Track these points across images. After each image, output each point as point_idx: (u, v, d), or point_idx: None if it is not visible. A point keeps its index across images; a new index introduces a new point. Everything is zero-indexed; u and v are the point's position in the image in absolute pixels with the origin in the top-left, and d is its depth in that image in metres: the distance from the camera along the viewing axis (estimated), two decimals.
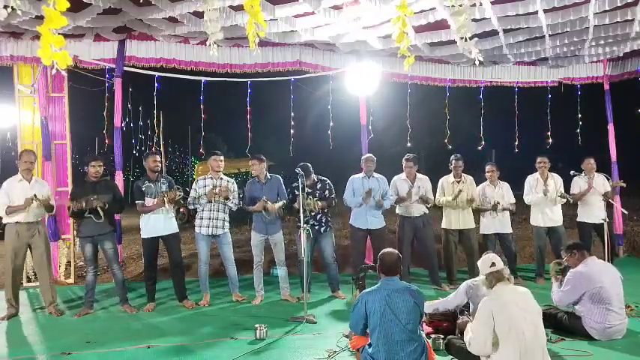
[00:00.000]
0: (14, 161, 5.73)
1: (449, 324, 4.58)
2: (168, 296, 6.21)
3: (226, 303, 6.04)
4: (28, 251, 5.74)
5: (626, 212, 7.66)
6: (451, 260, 6.74)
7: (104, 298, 6.23)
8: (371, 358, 3.42)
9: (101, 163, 5.64)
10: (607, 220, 6.40)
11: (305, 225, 5.50)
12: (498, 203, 6.62)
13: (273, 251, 6.10)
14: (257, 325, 4.72)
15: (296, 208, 5.79)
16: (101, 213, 5.40)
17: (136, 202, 5.74)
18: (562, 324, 4.65)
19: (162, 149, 16.35)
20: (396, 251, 3.66)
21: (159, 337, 4.79)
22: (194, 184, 6.19)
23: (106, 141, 7.47)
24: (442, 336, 4.33)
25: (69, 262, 7.35)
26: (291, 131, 8.38)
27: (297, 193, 5.66)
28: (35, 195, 5.35)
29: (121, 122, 7.24)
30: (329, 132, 8.30)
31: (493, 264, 3.56)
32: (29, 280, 6.93)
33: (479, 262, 3.74)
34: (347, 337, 4.36)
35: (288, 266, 6.30)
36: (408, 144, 8.64)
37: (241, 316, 5.53)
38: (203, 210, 5.93)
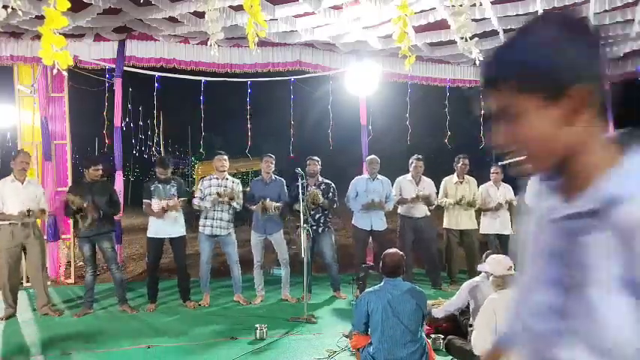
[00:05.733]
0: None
1: (449, 324, 4.57)
2: (168, 296, 6.21)
3: (227, 303, 6.04)
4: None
5: None
6: (452, 260, 6.74)
7: (104, 298, 6.22)
8: (371, 358, 3.42)
9: (100, 168, 5.69)
10: None
11: (305, 225, 5.50)
12: (501, 205, 6.63)
13: (276, 250, 6.11)
14: (257, 325, 4.72)
15: (296, 207, 5.80)
16: (89, 220, 5.40)
17: (144, 200, 5.81)
18: None
19: (162, 149, 16.34)
20: (400, 252, 3.65)
21: (159, 337, 4.79)
22: (199, 184, 6.20)
23: (106, 141, 7.46)
24: (442, 336, 4.32)
25: (69, 262, 7.34)
26: (291, 131, 8.38)
27: (299, 192, 5.66)
28: (29, 210, 5.35)
29: (121, 122, 7.23)
30: (329, 132, 8.30)
31: (511, 267, 3.53)
32: (29, 281, 6.91)
33: (492, 262, 3.64)
34: (347, 337, 4.36)
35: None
36: (408, 144, 8.64)
37: (241, 316, 5.53)
38: (207, 210, 5.95)
